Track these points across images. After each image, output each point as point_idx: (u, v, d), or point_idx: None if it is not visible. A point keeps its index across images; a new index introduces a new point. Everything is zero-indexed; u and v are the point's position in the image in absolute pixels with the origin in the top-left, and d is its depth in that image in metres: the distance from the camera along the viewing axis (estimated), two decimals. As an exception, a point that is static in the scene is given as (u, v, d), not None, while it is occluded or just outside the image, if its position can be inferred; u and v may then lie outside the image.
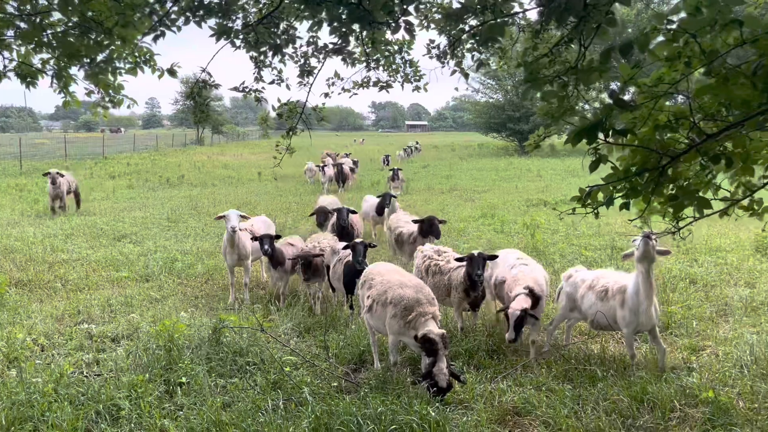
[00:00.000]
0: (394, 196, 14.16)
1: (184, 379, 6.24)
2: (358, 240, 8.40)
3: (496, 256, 7.61)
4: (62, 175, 18.38)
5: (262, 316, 8.32)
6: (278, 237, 9.31)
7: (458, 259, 7.56)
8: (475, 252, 7.32)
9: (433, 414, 5.24)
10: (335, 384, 6.33)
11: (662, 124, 3.12)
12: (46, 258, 12.03)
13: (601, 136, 3.18)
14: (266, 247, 8.83)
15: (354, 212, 11.30)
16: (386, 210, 13.76)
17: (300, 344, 7.51)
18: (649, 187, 3.22)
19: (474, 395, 5.95)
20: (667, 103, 3.37)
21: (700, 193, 3.36)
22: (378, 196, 14.42)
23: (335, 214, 11.03)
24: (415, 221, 10.48)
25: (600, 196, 3.39)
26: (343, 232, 10.56)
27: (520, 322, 6.41)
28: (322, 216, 11.60)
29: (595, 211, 3.47)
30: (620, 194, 3.31)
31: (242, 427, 5.23)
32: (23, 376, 6.28)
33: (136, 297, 9.47)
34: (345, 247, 8.34)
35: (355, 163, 29.08)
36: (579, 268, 7.41)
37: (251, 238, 9.35)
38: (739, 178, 3.49)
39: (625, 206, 3.39)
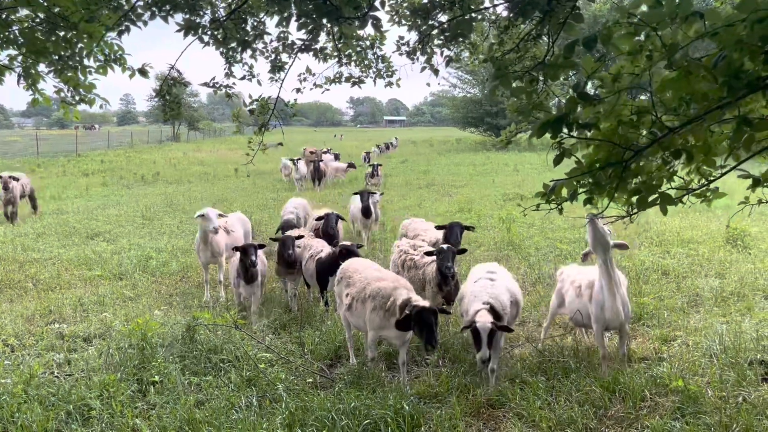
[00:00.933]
0: (373, 193, 13.43)
1: (157, 378, 6.18)
2: (347, 243, 8.24)
3: (465, 250, 7.68)
4: (16, 179, 16.32)
5: (236, 314, 8.27)
6: (262, 246, 8.52)
7: (428, 253, 7.59)
8: (445, 246, 7.37)
9: (407, 408, 5.26)
10: (310, 380, 6.33)
11: (625, 119, 3.16)
12: (17, 257, 11.83)
13: (565, 130, 3.20)
14: (253, 258, 7.98)
15: (342, 219, 10.70)
16: (372, 209, 12.94)
17: (275, 341, 7.48)
18: (613, 182, 3.25)
19: (449, 388, 5.99)
20: (633, 95, 3.42)
21: (663, 188, 3.40)
22: (355, 193, 13.53)
23: (323, 220, 10.19)
24: (438, 227, 9.17)
25: (564, 191, 3.41)
26: (330, 240, 9.76)
27: (491, 336, 5.77)
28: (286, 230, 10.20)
29: (559, 206, 3.49)
30: (584, 189, 3.34)
31: (216, 425, 5.20)
32: (-8, 378, 6.17)
33: (109, 296, 9.36)
34: (341, 253, 7.84)
35: (336, 157, 28.59)
36: (573, 264, 7.37)
37: (233, 249, 8.51)
38: (694, 165, 3.56)
39: (589, 201, 3.43)
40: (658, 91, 3.02)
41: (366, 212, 13.02)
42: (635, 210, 3.55)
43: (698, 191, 3.73)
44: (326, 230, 10.07)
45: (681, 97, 3.11)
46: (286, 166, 25.55)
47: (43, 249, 12.70)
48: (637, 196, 3.31)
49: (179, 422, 5.28)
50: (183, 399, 5.68)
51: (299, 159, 24.33)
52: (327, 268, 7.90)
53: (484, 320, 5.84)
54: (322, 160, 24.90)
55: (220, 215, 9.50)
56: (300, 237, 8.87)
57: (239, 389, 5.98)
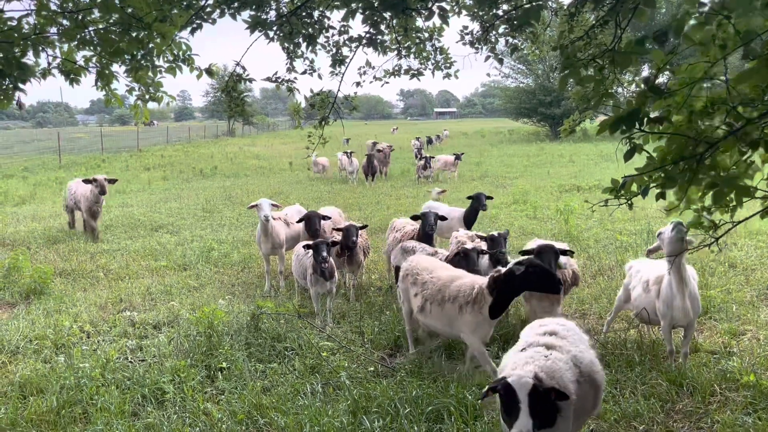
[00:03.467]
0: (490, 197, 10.71)
1: (224, 364, 6.41)
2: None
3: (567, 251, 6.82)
4: (113, 182, 13.68)
5: (298, 303, 8.46)
6: (335, 244, 8.10)
7: (480, 237, 7.68)
8: (495, 233, 7.40)
9: (469, 397, 5.30)
10: (372, 369, 6.43)
11: (698, 110, 3.08)
12: (88, 248, 12.39)
13: (637, 125, 3.15)
14: (324, 254, 7.47)
15: (443, 218, 9.09)
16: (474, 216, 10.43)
17: (336, 330, 7.62)
18: (685, 176, 3.17)
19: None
20: (705, 84, 3.31)
21: (743, 182, 3.29)
22: (468, 198, 10.60)
23: (422, 219, 8.69)
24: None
25: (634, 186, 3.35)
26: (430, 240, 8.61)
27: (537, 398, 3.53)
28: (316, 221, 9.07)
29: (629, 202, 3.43)
30: (656, 184, 3.26)
31: (282, 410, 5.37)
32: (71, 362, 6.54)
33: (175, 285, 9.71)
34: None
35: (390, 149, 28.03)
36: (642, 258, 7.06)
37: (304, 246, 8.14)
38: None
39: (662, 196, 3.35)
40: (734, 82, 2.93)
41: (471, 219, 10.45)
42: (722, 233, 3.44)
43: None
44: (425, 231, 8.60)
45: (757, 85, 3.01)
46: (316, 162, 24.85)
47: (111, 240, 13.26)
48: (712, 191, 3.21)
49: (248, 407, 5.48)
50: (250, 385, 5.89)
51: (352, 152, 24.31)
52: None
53: (521, 374, 3.66)
54: (381, 149, 24.53)
55: (274, 206, 9.60)
56: (364, 226, 8.77)
57: (303, 376, 6.14)
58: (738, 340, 6.78)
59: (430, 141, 41.44)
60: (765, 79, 2.94)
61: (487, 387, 3.79)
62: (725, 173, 3.38)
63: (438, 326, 6.29)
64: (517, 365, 3.92)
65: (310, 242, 7.95)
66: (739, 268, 9.41)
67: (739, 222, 3.57)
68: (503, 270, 5.63)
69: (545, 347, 4.11)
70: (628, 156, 3.37)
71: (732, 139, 3.13)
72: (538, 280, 5.48)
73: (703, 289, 8.06)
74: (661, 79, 3.45)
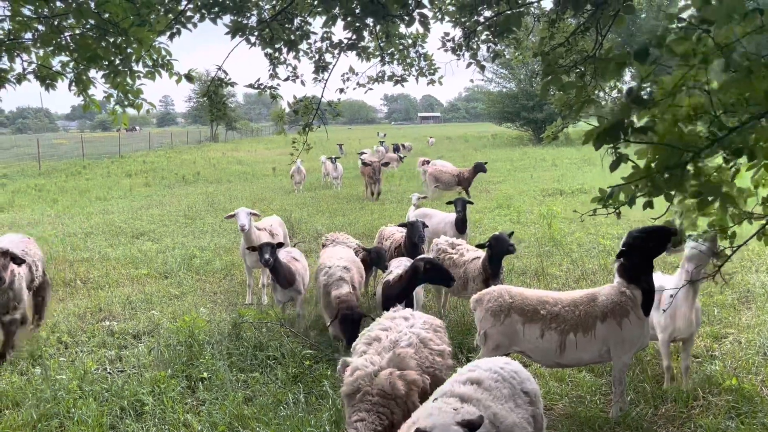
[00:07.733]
0: (470, 203, 10.70)
1: (205, 375, 6.31)
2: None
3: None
4: (18, 261, 7.02)
5: (281, 311, 8.37)
6: (280, 245, 7.85)
7: (480, 246, 7.38)
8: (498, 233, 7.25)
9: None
10: (355, 377, 6.36)
11: (683, 117, 3.07)
12: (67, 256, 12.19)
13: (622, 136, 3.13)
14: (266, 256, 7.25)
15: (426, 226, 8.76)
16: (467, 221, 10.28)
17: (319, 338, 7.54)
18: (670, 185, 3.15)
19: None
20: (686, 89, 3.30)
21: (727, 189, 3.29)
22: (449, 202, 10.51)
23: (410, 229, 8.34)
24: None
25: (621, 195, 3.33)
26: (416, 250, 8.18)
27: None
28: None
29: (617, 211, 3.41)
30: (642, 193, 3.24)
31: (264, 421, 5.29)
32: (48, 374, 6.40)
33: (156, 294, 9.58)
34: None
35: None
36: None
37: (247, 248, 8.31)
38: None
39: (649, 205, 3.33)
40: (717, 91, 2.93)
41: (462, 224, 10.23)
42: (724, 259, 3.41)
43: None
44: (413, 240, 8.27)
45: (740, 95, 3.01)
46: (299, 170, 22.26)
47: (91, 248, 13.06)
48: (697, 198, 3.20)
49: (229, 418, 5.38)
50: (231, 395, 5.79)
51: (337, 158, 24.12)
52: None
53: None
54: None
55: (254, 214, 9.28)
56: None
57: (286, 386, 6.06)
58: (720, 344, 6.81)
59: (396, 149, 37.62)
60: (746, 89, 2.93)
61: None
62: (708, 179, 3.38)
63: (586, 358, 5.36)
64: (420, 418, 3.16)
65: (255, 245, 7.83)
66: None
67: (739, 246, 3.56)
68: (620, 254, 5.14)
69: (459, 399, 3.38)
70: (613, 167, 3.34)
71: (715, 147, 3.12)
72: (656, 239, 5.01)
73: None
74: (646, 86, 3.44)
